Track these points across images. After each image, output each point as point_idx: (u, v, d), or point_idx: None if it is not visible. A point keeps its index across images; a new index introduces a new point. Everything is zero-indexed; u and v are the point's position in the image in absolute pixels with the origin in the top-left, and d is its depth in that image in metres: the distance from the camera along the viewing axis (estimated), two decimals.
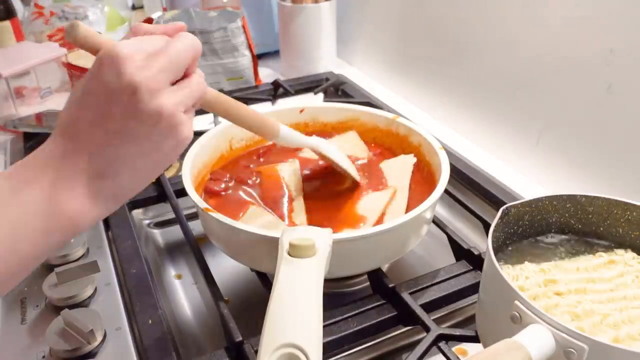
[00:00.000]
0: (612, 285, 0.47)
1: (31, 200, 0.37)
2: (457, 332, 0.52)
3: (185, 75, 0.41)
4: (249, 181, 0.67)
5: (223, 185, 0.66)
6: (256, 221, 0.59)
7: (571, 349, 0.38)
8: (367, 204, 0.63)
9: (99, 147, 0.38)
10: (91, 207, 0.39)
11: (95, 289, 0.57)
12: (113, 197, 0.40)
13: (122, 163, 0.39)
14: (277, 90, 1.05)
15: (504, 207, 0.50)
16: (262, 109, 0.84)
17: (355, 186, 0.66)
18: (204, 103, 0.46)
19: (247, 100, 1.00)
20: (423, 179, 0.68)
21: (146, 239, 0.79)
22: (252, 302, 0.65)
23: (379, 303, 0.56)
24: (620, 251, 0.51)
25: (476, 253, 0.60)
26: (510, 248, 0.53)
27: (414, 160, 0.69)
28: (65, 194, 0.37)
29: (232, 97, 1.10)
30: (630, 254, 0.51)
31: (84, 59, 1.02)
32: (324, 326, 0.44)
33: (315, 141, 0.64)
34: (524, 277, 0.48)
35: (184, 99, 0.40)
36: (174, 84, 0.40)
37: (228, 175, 0.68)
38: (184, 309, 0.67)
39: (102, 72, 0.37)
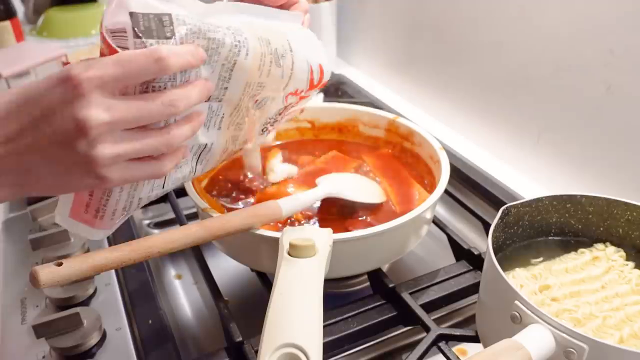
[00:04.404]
0: (602, 282, 0.47)
1: None
2: (457, 332, 0.52)
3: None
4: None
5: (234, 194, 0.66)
6: None
7: (571, 349, 0.38)
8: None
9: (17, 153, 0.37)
10: None
11: (95, 289, 0.57)
12: (18, 187, 0.39)
13: (31, 175, 0.38)
14: None
15: (504, 207, 0.50)
16: None
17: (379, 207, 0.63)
18: None
19: None
20: (423, 179, 0.69)
21: None
22: (252, 302, 0.65)
23: (379, 303, 0.56)
24: (600, 246, 0.51)
25: (476, 253, 0.60)
26: (510, 248, 0.53)
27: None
28: None
29: None
30: (611, 248, 0.51)
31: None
32: (324, 326, 0.44)
33: (321, 191, 0.60)
34: (518, 285, 0.47)
35: (124, 154, 0.38)
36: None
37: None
38: (184, 309, 0.67)
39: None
